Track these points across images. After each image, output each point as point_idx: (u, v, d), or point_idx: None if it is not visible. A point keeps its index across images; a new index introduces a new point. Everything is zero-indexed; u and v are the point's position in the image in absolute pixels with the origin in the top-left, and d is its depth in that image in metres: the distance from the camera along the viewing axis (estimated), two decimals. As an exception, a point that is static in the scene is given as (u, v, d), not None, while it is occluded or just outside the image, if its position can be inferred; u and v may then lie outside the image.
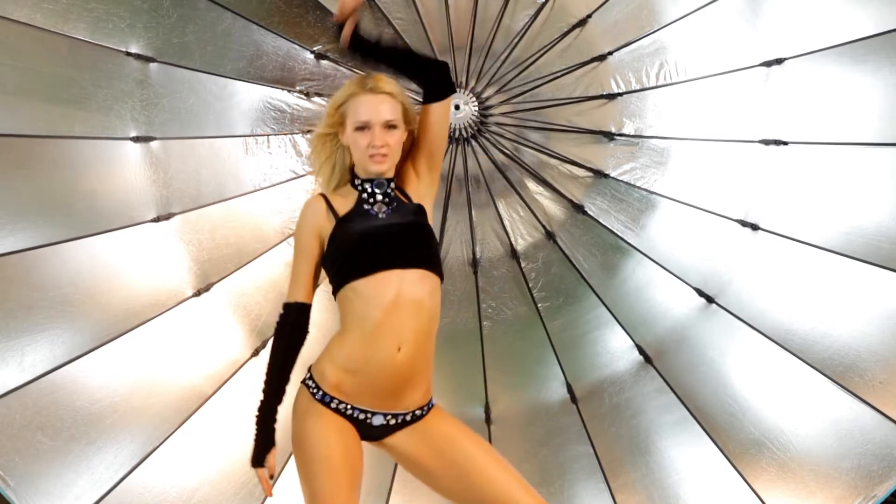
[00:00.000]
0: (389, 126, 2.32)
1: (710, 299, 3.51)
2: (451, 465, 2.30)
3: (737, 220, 3.50)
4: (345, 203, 2.37)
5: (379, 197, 2.36)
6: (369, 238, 2.30)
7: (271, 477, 2.41)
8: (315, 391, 2.32)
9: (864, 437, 3.18)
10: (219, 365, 3.43)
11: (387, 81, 2.37)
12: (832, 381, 3.23)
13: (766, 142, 3.46)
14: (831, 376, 3.23)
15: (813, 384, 3.26)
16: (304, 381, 2.38)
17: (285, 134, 3.63)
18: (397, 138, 2.34)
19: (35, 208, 3.21)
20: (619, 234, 3.60)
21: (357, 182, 2.39)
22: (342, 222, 2.33)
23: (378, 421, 2.31)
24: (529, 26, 3.60)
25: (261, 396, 2.41)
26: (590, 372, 3.64)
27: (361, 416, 2.30)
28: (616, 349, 3.63)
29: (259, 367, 3.50)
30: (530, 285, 3.63)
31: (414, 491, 3.44)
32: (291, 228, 3.61)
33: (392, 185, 2.38)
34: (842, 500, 3.19)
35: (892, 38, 3.22)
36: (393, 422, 2.32)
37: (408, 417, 2.34)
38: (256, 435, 2.39)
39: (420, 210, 2.38)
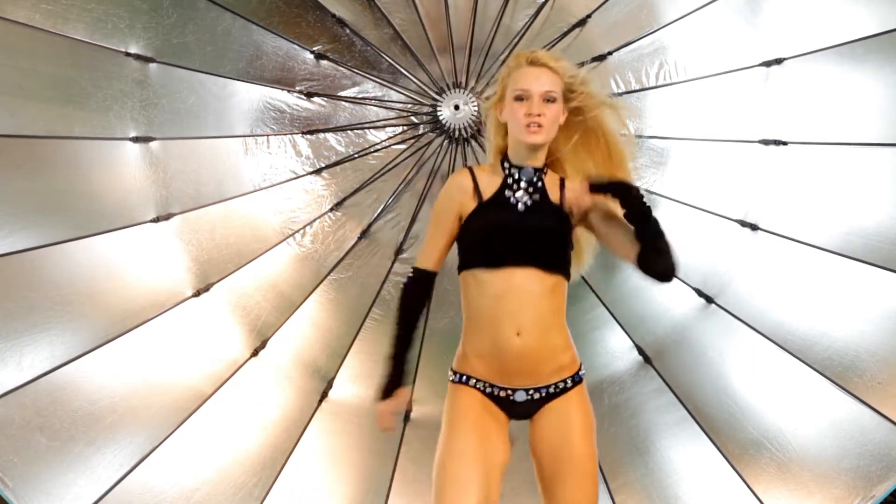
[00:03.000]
0: (548, 99, 2.29)
1: (709, 299, 3.51)
2: (556, 460, 2.29)
3: (736, 220, 3.50)
4: (490, 184, 2.35)
5: (523, 184, 2.33)
6: (501, 232, 2.29)
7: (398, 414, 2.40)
8: (455, 377, 2.33)
9: (863, 437, 3.17)
10: (218, 365, 3.44)
11: (550, 56, 2.34)
12: (831, 381, 3.23)
13: (766, 142, 3.46)
14: (830, 377, 3.23)
15: (812, 384, 3.26)
16: (449, 380, 2.38)
17: (285, 134, 3.63)
18: (555, 112, 2.31)
19: (35, 208, 3.22)
20: (619, 233, 3.59)
21: (506, 165, 2.36)
22: (481, 207, 2.32)
23: (521, 397, 2.30)
24: (529, 26, 3.60)
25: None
26: (589, 372, 3.55)
27: (503, 394, 2.30)
28: (615, 349, 3.62)
29: (259, 367, 3.52)
30: (530, 285, 3.62)
31: (414, 491, 3.45)
32: (291, 228, 3.62)
33: (539, 175, 2.34)
34: (840, 500, 3.19)
35: (892, 38, 3.21)
36: (537, 396, 2.31)
37: (551, 390, 2.31)
38: (385, 373, 2.35)
39: (561, 216, 2.33)
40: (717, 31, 3.52)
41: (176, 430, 3.25)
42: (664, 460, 3.49)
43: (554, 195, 2.35)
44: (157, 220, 3.41)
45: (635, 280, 3.61)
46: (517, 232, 2.29)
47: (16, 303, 3.11)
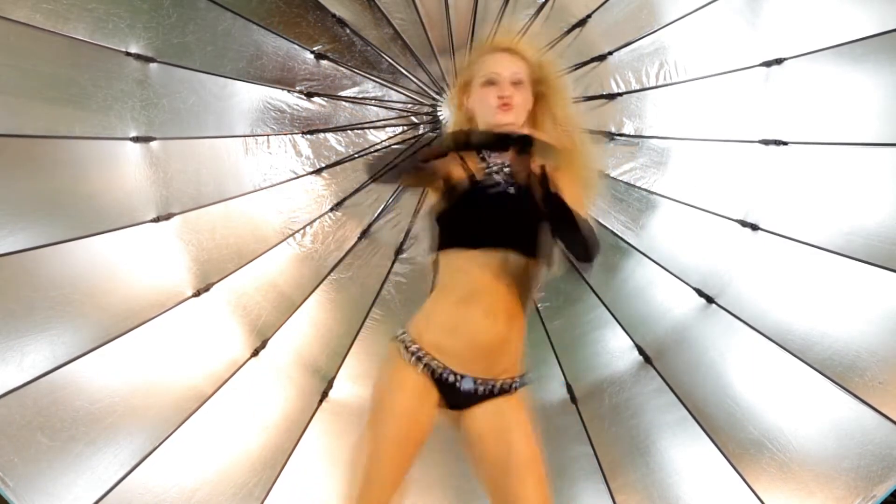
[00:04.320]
0: (516, 83, 2.30)
1: (709, 299, 3.51)
2: (502, 460, 2.25)
3: (737, 220, 3.50)
4: (473, 168, 2.31)
5: (503, 168, 2.30)
6: (485, 214, 2.27)
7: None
8: (409, 345, 2.26)
9: (864, 437, 3.17)
10: (218, 365, 3.44)
11: (517, 42, 2.35)
12: (832, 381, 3.22)
13: (766, 142, 3.46)
14: (831, 377, 3.23)
15: (813, 384, 3.26)
16: (397, 338, 2.31)
17: (285, 134, 3.63)
18: (524, 96, 2.31)
19: (35, 208, 3.22)
20: (619, 234, 3.60)
21: (481, 153, 2.33)
22: (462, 184, 2.27)
23: (467, 385, 2.26)
24: (529, 26, 3.60)
25: None
26: (589, 372, 3.64)
27: (451, 379, 2.25)
28: (616, 349, 3.63)
29: (259, 367, 3.51)
30: (530, 285, 3.62)
31: (414, 491, 3.44)
32: (291, 228, 3.62)
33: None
34: (841, 500, 3.18)
35: (892, 38, 3.21)
36: (481, 389, 2.27)
37: (496, 386, 2.29)
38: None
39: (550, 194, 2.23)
40: (718, 31, 3.52)
41: (176, 430, 3.24)
42: (665, 460, 3.49)
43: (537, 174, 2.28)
44: (157, 220, 3.41)
45: (636, 280, 3.62)
46: (498, 214, 2.26)
47: (16, 303, 3.10)
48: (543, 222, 2.24)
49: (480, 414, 2.29)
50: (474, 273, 2.24)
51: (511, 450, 2.25)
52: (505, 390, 2.30)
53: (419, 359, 2.24)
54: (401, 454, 2.22)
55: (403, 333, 2.30)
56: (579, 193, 2.32)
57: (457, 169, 2.31)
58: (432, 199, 2.38)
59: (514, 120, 2.29)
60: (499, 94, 2.27)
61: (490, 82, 2.29)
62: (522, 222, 2.25)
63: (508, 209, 2.27)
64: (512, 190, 2.27)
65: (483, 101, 2.30)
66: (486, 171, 2.31)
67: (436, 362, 2.24)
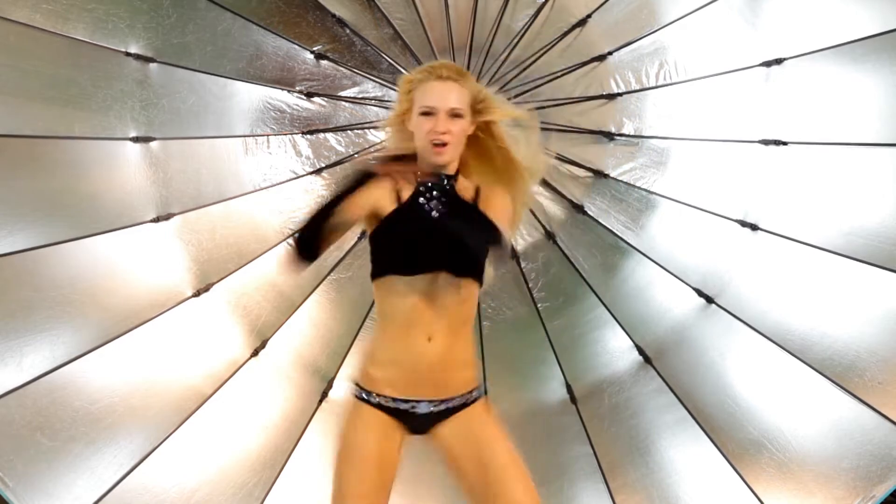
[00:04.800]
0: (454, 115, 2.29)
1: (709, 299, 3.51)
2: (481, 469, 2.27)
3: (736, 220, 3.50)
4: (405, 189, 2.32)
5: (436, 193, 2.32)
6: (419, 240, 2.27)
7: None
8: (358, 392, 2.31)
9: (864, 437, 3.18)
10: (218, 365, 3.43)
11: (457, 69, 2.34)
12: (831, 381, 3.23)
13: (766, 142, 3.46)
14: (831, 377, 3.23)
15: (812, 385, 3.26)
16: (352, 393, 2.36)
17: (285, 134, 3.63)
18: (461, 128, 2.30)
19: (35, 208, 3.22)
20: (619, 234, 3.60)
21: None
22: (396, 212, 2.29)
23: (423, 409, 2.28)
24: (529, 26, 3.60)
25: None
26: (589, 372, 3.64)
27: (405, 407, 2.28)
28: (616, 349, 3.62)
29: (259, 367, 3.51)
30: (530, 285, 3.63)
31: (415, 490, 3.44)
32: (291, 228, 3.61)
33: (450, 182, 2.33)
34: (841, 500, 3.19)
35: (892, 38, 3.21)
36: (438, 409, 2.29)
37: (453, 404, 2.30)
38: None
39: (474, 219, 2.30)
40: (718, 31, 3.52)
41: (176, 430, 3.24)
42: (664, 460, 3.49)
43: (468, 198, 2.35)
44: (157, 220, 3.41)
45: (636, 280, 3.62)
46: (430, 238, 2.27)
47: (16, 303, 3.11)
48: (470, 243, 2.28)
49: (447, 433, 2.32)
50: (410, 298, 2.25)
51: (486, 460, 2.26)
52: (462, 406, 2.32)
53: (368, 397, 2.29)
54: (374, 492, 2.24)
55: (355, 387, 2.34)
56: (508, 207, 2.39)
57: (386, 197, 2.31)
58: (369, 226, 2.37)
59: (448, 159, 2.30)
60: (433, 129, 2.26)
61: (427, 113, 2.29)
62: (450, 245, 2.26)
63: (436, 233, 2.28)
64: (437, 214, 2.30)
65: (420, 133, 2.30)
66: (421, 194, 2.32)
67: (383, 397, 2.28)
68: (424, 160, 2.33)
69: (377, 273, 2.32)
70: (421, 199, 2.32)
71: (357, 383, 2.33)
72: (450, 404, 2.31)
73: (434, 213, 2.30)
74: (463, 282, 2.28)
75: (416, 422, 2.31)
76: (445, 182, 2.33)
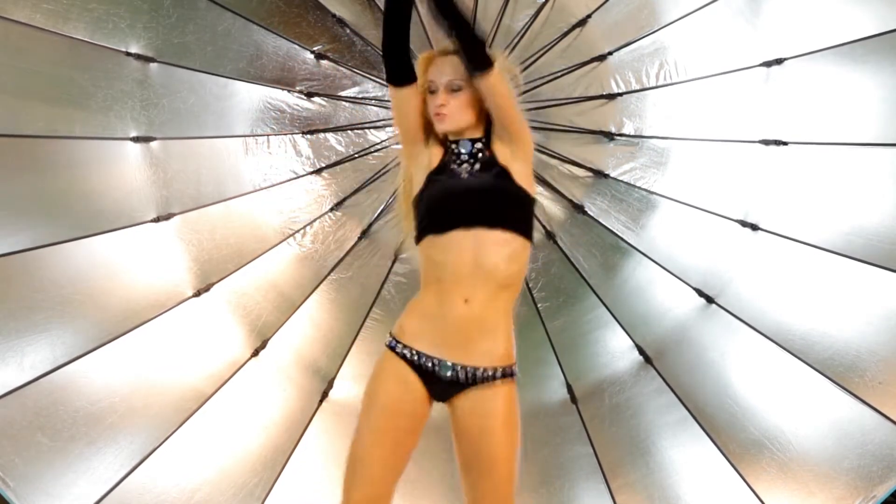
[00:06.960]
0: (453, 88, 2.35)
1: (709, 299, 3.51)
2: (472, 452, 2.27)
3: (737, 220, 3.50)
4: (437, 156, 2.41)
5: (464, 156, 2.38)
6: (447, 197, 2.34)
7: None
8: (389, 340, 2.35)
9: (864, 437, 3.17)
10: (219, 365, 3.44)
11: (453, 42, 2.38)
12: (832, 381, 3.22)
13: (766, 142, 3.46)
14: (831, 377, 3.23)
15: (813, 385, 3.26)
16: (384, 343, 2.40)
17: (285, 134, 3.63)
18: (461, 99, 2.35)
19: (35, 208, 3.22)
20: (619, 234, 3.60)
21: (448, 140, 2.42)
22: (430, 176, 2.38)
23: (445, 371, 2.28)
24: (529, 26, 3.60)
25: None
26: (590, 372, 3.64)
27: (429, 364, 2.28)
28: (616, 349, 3.63)
29: (259, 367, 3.51)
30: (530, 285, 3.63)
31: (415, 491, 3.45)
32: (291, 228, 3.62)
33: (478, 145, 2.39)
34: (841, 500, 3.18)
35: (892, 39, 3.21)
36: (461, 375, 2.28)
37: (477, 373, 2.28)
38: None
39: (501, 173, 2.35)
40: (718, 31, 3.52)
41: (176, 430, 3.24)
42: (665, 460, 3.49)
43: (500, 161, 2.39)
44: (157, 220, 3.41)
45: (636, 280, 3.62)
46: (461, 194, 2.34)
47: (16, 303, 3.10)
48: (508, 193, 2.34)
49: (461, 404, 2.30)
50: (450, 257, 2.29)
51: (480, 448, 2.26)
52: (487, 378, 2.29)
53: (395, 346, 2.32)
54: (388, 442, 2.26)
55: (391, 331, 2.38)
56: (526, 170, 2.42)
57: (425, 158, 2.41)
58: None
59: (449, 127, 2.37)
60: (435, 104, 2.36)
61: (432, 90, 2.38)
62: (479, 197, 2.33)
63: (463, 189, 2.35)
64: (465, 175, 2.36)
65: (429, 108, 2.39)
66: (452, 160, 2.39)
67: (409, 349, 2.30)
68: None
69: (418, 236, 2.37)
70: (452, 165, 2.39)
71: (391, 332, 2.37)
72: (475, 373, 2.28)
73: (463, 175, 2.37)
74: (503, 236, 2.29)
75: (440, 386, 2.30)
76: (471, 145, 2.39)
